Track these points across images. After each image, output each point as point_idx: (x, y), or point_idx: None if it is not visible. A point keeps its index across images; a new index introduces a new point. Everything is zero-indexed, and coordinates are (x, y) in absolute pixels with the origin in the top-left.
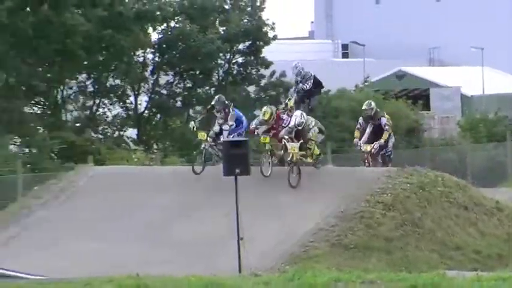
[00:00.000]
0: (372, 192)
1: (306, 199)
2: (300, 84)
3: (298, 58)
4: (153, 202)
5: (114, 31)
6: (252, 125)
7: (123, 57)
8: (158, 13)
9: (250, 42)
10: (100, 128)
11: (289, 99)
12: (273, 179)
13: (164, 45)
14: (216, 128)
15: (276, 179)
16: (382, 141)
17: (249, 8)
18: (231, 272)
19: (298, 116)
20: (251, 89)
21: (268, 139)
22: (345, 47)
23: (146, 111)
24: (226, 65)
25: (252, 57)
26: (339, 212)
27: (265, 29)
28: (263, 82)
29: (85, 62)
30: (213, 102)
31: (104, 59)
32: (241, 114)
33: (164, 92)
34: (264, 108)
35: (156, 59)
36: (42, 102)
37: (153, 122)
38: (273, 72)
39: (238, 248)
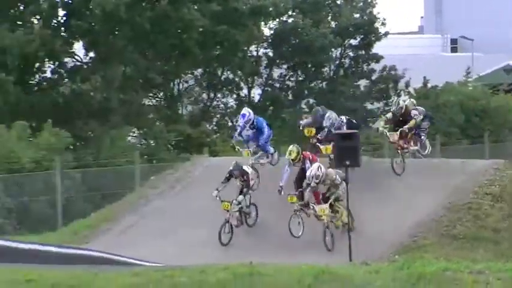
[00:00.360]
0: (480, 184)
1: (414, 191)
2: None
3: (407, 53)
4: (264, 191)
5: (228, 26)
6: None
7: (237, 52)
8: (271, 8)
9: (361, 36)
10: (214, 121)
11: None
12: (382, 171)
13: (278, 39)
14: (240, 198)
15: (386, 171)
16: (406, 127)
17: (361, 4)
18: (341, 261)
19: (314, 169)
20: (361, 82)
21: (294, 199)
22: (453, 41)
23: (259, 104)
24: (338, 59)
25: (363, 52)
26: (447, 203)
27: (376, 24)
28: (374, 76)
29: (200, 57)
30: (230, 168)
31: (219, 53)
32: (263, 122)
33: (277, 85)
34: (290, 148)
35: (270, 53)
36: (159, 96)
37: (266, 114)
38: (385, 67)
39: (349, 237)
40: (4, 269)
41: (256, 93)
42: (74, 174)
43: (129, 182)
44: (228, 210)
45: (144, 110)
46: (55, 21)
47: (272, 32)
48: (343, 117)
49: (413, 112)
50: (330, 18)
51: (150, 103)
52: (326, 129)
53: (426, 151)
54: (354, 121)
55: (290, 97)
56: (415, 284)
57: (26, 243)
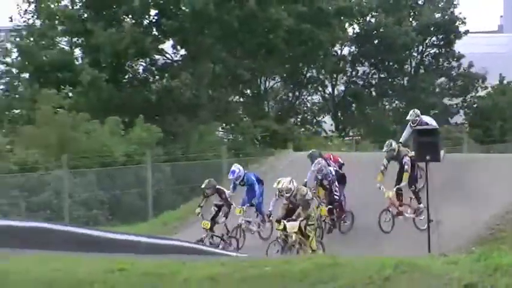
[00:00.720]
0: None
1: (492, 184)
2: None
3: (486, 51)
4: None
5: (313, 26)
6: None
7: (321, 51)
8: (355, 9)
9: (442, 35)
10: (299, 117)
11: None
12: (462, 164)
13: (361, 38)
14: (222, 220)
15: (463, 166)
16: (402, 184)
17: (442, 3)
18: (420, 252)
19: (286, 182)
20: (441, 80)
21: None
22: None
23: (343, 100)
24: (419, 57)
25: (444, 50)
26: None
27: (457, 23)
28: (453, 73)
29: (286, 55)
30: (202, 186)
31: (304, 52)
32: (254, 179)
33: (360, 82)
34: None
35: (353, 51)
36: (246, 93)
37: (349, 111)
38: (469, 65)
39: (428, 229)
40: (98, 258)
41: (340, 90)
42: (164, 167)
43: (217, 175)
44: (206, 229)
45: (231, 106)
46: (147, 20)
47: (356, 31)
48: (332, 169)
49: (405, 160)
50: (411, 18)
51: (237, 100)
52: (310, 173)
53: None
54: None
55: (373, 94)
56: (491, 275)
57: (118, 233)
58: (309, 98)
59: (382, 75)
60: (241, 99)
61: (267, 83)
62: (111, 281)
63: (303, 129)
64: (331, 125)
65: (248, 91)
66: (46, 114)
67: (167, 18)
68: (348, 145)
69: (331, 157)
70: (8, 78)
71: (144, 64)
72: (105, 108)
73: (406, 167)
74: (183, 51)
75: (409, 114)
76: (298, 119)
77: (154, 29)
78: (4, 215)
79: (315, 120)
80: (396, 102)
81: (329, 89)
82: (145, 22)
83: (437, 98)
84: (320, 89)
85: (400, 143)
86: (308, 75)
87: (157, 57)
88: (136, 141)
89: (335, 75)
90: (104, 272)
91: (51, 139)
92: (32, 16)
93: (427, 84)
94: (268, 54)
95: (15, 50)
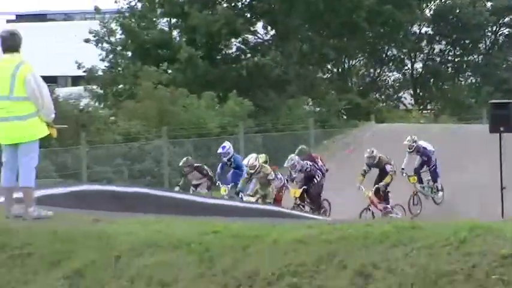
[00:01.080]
0: None
1: None
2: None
3: None
4: None
5: (393, 7)
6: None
7: (401, 30)
8: None
9: None
10: (381, 91)
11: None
12: None
13: (438, 18)
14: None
15: None
16: (382, 183)
17: None
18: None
19: (252, 158)
20: None
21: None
22: None
23: (421, 76)
24: (493, 36)
25: None
26: None
27: None
28: None
29: (368, 34)
30: (180, 164)
31: (384, 31)
32: (242, 163)
33: (437, 59)
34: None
35: (430, 30)
36: (331, 70)
37: (427, 86)
38: None
39: (501, 195)
40: (194, 222)
41: (418, 67)
42: (255, 138)
43: (305, 145)
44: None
45: (317, 82)
46: (239, 3)
47: (432, 11)
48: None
49: (388, 167)
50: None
51: (323, 76)
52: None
53: (440, 199)
54: None
55: (449, 70)
56: None
57: (213, 198)
58: (390, 74)
59: (458, 53)
60: (327, 76)
61: (351, 61)
62: (206, 242)
63: (384, 103)
64: (411, 99)
65: (333, 68)
66: (147, 89)
67: (258, 0)
68: (425, 118)
69: (319, 157)
70: (112, 56)
71: (236, 43)
72: (201, 84)
73: (390, 172)
74: (272, 32)
75: (406, 140)
76: (380, 95)
77: (246, 11)
78: (109, 182)
79: (395, 96)
80: (471, 78)
81: (408, 66)
82: (238, 4)
83: (510, 73)
84: (400, 66)
85: (403, 169)
86: (389, 53)
87: (249, 36)
88: (230, 114)
89: (414, 53)
90: (199, 234)
91: (152, 112)
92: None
93: (500, 61)
94: (352, 34)
95: (119, 30)
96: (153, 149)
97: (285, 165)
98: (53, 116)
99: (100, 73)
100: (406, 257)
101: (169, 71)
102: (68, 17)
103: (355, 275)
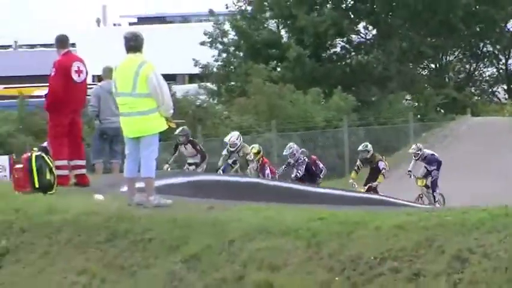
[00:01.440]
0: None
1: None
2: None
3: None
4: None
5: (488, 6)
6: None
7: (496, 27)
8: None
9: None
10: (476, 86)
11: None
12: None
13: None
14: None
15: None
16: (375, 183)
17: None
18: None
19: (234, 136)
20: None
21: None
22: None
23: None
24: None
25: None
26: None
27: None
28: None
29: (464, 32)
30: (176, 132)
31: (479, 30)
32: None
33: None
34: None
35: None
36: (429, 66)
37: None
38: None
39: None
40: (301, 209)
41: None
42: (358, 131)
43: (404, 138)
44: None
45: (416, 78)
46: (344, 5)
47: None
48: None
49: (381, 165)
50: None
51: (422, 72)
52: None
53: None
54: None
55: None
56: None
57: (320, 188)
58: (485, 69)
59: None
60: (425, 72)
61: (448, 57)
62: (314, 228)
63: (480, 97)
64: (504, 94)
65: (431, 65)
66: (257, 86)
67: (361, 3)
68: None
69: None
70: (225, 56)
71: (341, 42)
72: (308, 80)
73: (383, 171)
74: (374, 31)
75: (411, 148)
76: (475, 89)
77: (350, 13)
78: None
79: (490, 90)
80: None
81: (503, 62)
82: (343, 6)
83: None
84: (494, 62)
85: (410, 171)
86: (484, 49)
87: (352, 36)
88: (335, 109)
89: (508, 50)
90: (307, 220)
91: (262, 107)
92: (244, 3)
93: None
94: (449, 33)
95: (231, 31)
96: (263, 141)
97: (283, 153)
98: (172, 111)
99: (214, 70)
100: (500, 243)
101: (278, 69)
102: (184, 19)
103: (452, 260)
